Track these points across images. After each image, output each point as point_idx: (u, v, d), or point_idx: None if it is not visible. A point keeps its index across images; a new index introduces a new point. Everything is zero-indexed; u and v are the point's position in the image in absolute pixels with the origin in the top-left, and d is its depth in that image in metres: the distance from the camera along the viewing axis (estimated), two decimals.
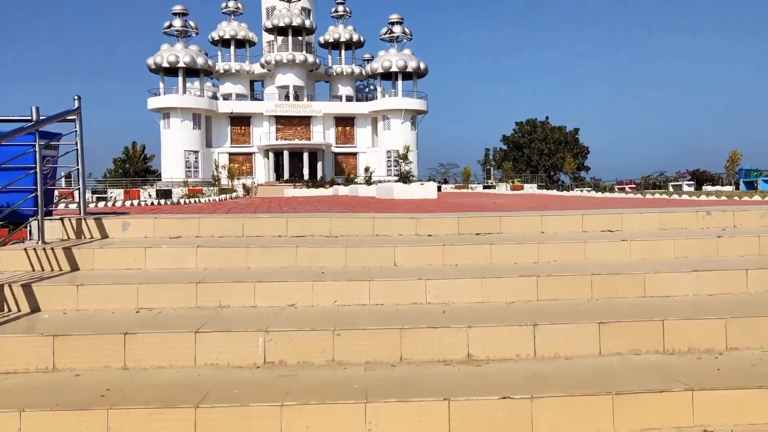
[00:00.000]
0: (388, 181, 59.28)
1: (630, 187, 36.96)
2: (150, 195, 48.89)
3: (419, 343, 3.33)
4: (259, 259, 4.58)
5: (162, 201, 9.78)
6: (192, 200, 9.88)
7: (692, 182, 33.41)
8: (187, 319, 3.63)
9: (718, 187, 31.04)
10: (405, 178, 11.91)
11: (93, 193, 47.94)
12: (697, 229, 5.38)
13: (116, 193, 48.36)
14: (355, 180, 21.17)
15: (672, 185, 34.02)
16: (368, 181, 16.25)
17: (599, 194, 13.28)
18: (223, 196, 12.27)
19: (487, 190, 51.02)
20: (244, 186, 42.84)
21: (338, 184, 25.79)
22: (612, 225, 5.35)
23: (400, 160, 12.04)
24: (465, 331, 3.36)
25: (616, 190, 38.76)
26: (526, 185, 54.02)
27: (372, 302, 3.97)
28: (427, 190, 11.08)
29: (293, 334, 3.34)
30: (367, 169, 16.22)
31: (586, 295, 4.04)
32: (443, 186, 54.02)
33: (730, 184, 32.20)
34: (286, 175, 56.35)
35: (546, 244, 4.70)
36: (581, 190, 43.27)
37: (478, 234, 5.23)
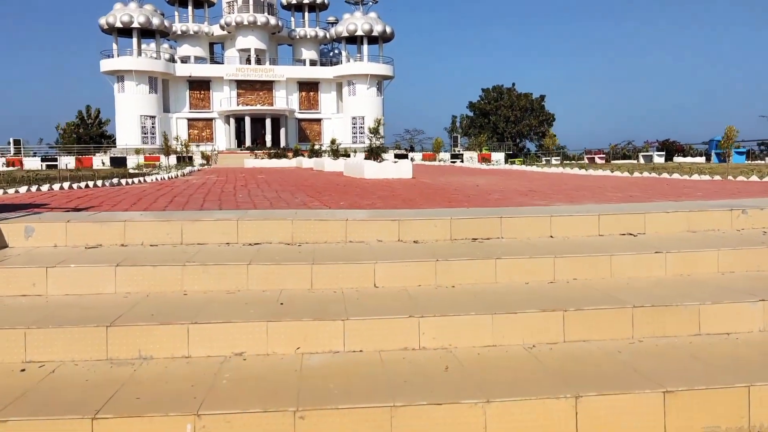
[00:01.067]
0: (354, 149, 57.84)
1: (599, 157, 36.56)
2: (103, 162, 46.56)
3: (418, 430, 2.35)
4: (200, 280, 3.52)
5: (106, 182, 8.55)
6: (137, 180, 8.64)
7: (662, 153, 33.12)
8: (88, 387, 2.57)
9: (690, 159, 30.84)
10: (375, 153, 10.90)
11: (42, 160, 45.41)
12: (732, 232, 4.51)
13: (68, 161, 45.91)
14: (320, 149, 19.95)
15: (642, 155, 33.69)
16: (335, 153, 15.09)
17: (582, 171, 12.47)
18: (174, 174, 11.01)
19: (456, 161, 50.21)
20: (203, 154, 41.03)
21: (302, 153, 24.52)
22: (633, 227, 4.44)
23: (371, 135, 10.98)
24: (482, 408, 2.39)
25: (585, 159, 38.32)
26: (493, 154, 53.38)
27: (347, 348, 2.97)
28: (401, 169, 10.06)
29: (235, 418, 2.32)
30: (333, 142, 15.04)
31: (626, 333, 3.12)
32: (410, 155, 52.94)
33: (701, 155, 32.04)
34: (248, 142, 54.43)
35: (563, 258, 3.75)
36: (548, 160, 42.83)
37: (475, 240, 4.25)
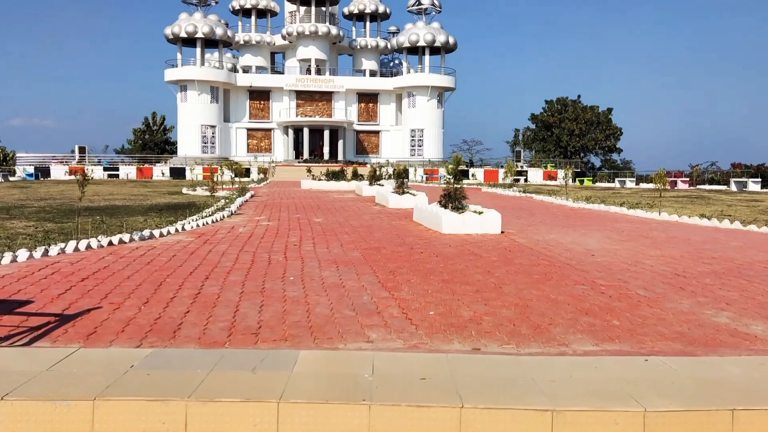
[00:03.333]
0: (409, 161, 56.13)
1: (682, 181, 33.60)
2: (163, 173, 46.62)
3: None
4: None
5: (135, 235, 7.18)
6: (175, 228, 7.29)
7: (758, 180, 29.92)
8: None
9: None
10: (455, 199, 9.27)
11: (105, 170, 45.81)
12: None
13: (129, 170, 46.20)
14: (380, 174, 18.39)
15: (734, 182, 30.56)
16: (398, 178, 13.48)
17: (717, 224, 10.26)
18: (222, 214, 9.63)
19: (519, 179, 47.87)
20: (260, 169, 40.31)
21: (360, 176, 23.02)
22: None
23: (449, 177, 9.34)
24: None
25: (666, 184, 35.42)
26: (559, 171, 50.69)
27: None
28: (488, 222, 8.33)
29: None
30: (397, 173, 13.33)
31: None
32: (471, 171, 50.89)
33: None
34: (306, 153, 53.72)
35: None
36: (623, 181, 40.00)
37: None
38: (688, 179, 34.22)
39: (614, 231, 8.97)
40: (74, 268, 5.62)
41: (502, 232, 8.43)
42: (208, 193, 19.65)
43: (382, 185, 17.66)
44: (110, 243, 7.00)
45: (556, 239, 8.08)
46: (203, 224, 9.19)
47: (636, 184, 39.54)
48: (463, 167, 53.24)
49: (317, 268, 5.79)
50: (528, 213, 12.07)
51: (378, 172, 18.90)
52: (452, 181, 9.27)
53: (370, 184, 18.02)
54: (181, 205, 13.64)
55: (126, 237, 7.33)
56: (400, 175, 13.85)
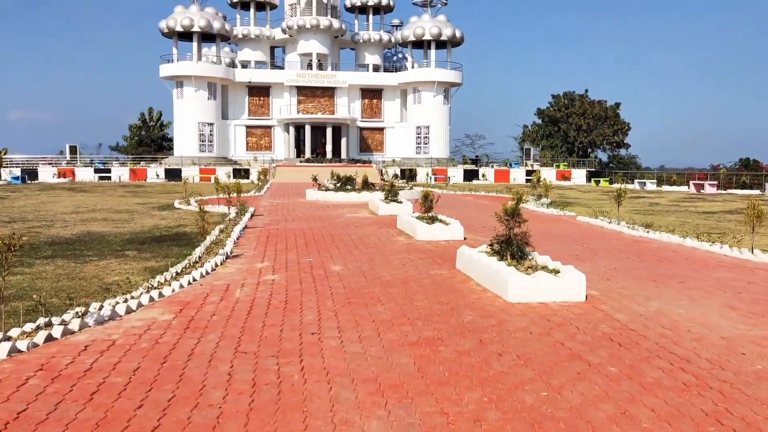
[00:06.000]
0: (415, 159, 53.68)
1: (710, 184, 31.44)
2: (157, 175, 44.38)
3: None
4: None
5: (100, 325, 5.08)
6: (151, 295, 5.21)
7: None
8: None
9: None
10: (516, 246, 7.36)
11: (96, 171, 43.59)
12: None
13: (122, 172, 43.95)
14: (395, 187, 16.30)
15: None
16: (428, 212, 11.35)
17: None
18: (217, 262, 7.47)
19: (531, 179, 45.49)
20: (259, 175, 38.18)
21: (372, 185, 20.93)
22: None
23: (506, 217, 7.41)
24: None
25: (691, 186, 33.26)
26: (573, 171, 48.51)
27: None
28: (569, 285, 6.22)
29: None
30: (426, 196, 11.24)
31: None
32: (479, 171, 48.66)
33: None
34: (308, 152, 51.54)
35: None
36: (642, 183, 37.81)
37: None
38: (715, 182, 32.04)
39: (724, 289, 6.86)
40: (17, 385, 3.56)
41: (587, 300, 6.31)
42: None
43: (401, 202, 15.50)
44: (49, 338, 4.89)
45: (662, 310, 5.99)
46: (190, 281, 7.06)
47: (657, 186, 37.39)
48: (471, 167, 51.10)
49: (355, 409, 3.69)
50: (588, 251, 9.94)
51: (394, 186, 16.71)
52: (510, 221, 7.14)
53: (386, 198, 15.87)
54: (167, 237, 11.49)
55: (75, 323, 5.21)
56: (427, 196, 11.69)
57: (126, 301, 6.13)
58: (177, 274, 7.56)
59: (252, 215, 15.12)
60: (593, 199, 24.28)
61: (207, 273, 7.64)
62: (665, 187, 36.04)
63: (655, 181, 38.77)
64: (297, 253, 9.50)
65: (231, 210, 15.98)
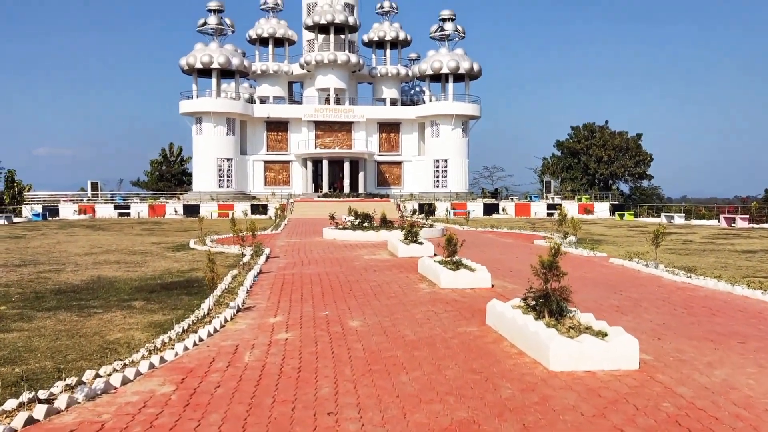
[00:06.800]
0: (434, 193, 53.02)
1: (741, 218, 30.36)
2: (176, 211, 44.29)
3: None
4: None
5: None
6: (151, 361, 4.60)
7: None
8: None
9: None
10: (554, 302, 6.72)
11: (116, 208, 43.65)
12: None
13: (141, 208, 43.95)
14: (416, 228, 15.67)
15: None
16: (452, 256, 10.69)
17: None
18: (222, 320, 6.84)
19: (553, 213, 44.66)
20: (276, 212, 37.87)
21: (390, 224, 20.37)
22: None
23: (542, 269, 6.89)
24: None
25: (721, 220, 32.18)
26: (596, 204, 47.55)
27: None
28: (618, 352, 5.50)
29: None
30: (450, 240, 10.61)
31: None
32: (500, 205, 47.86)
33: None
34: (326, 186, 51.32)
35: None
36: (670, 217, 36.74)
37: None
38: (747, 216, 30.96)
39: None
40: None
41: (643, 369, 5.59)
42: (217, 249, 17.06)
43: (421, 243, 14.87)
44: (30, 420, 4.30)
45: (730, 381, 5.25)
46: (196, 342, 6.46)
47: (686, 219, 36.31)
48: (491, 200, 50.34)
49: None
50: (629, 301, 9.20)
51: (414, 226, 16.10)
52: (548, 275, 6.47)
53: (406, 239, 15.25)
54: (177, 285, 10.96)
55: (63, 399, 4.62)
56: (450, 240, 11.04)
57: (124, 367, 5.55)
58: (183, 331, 6.98)
59: (267, 257, 14.58)
60: (621, 236, 23.40)
61: (215, 330, 7.04)
62: (694, 221, 34.96)
63: (683, 214, 37.67)
64: (313, 303, 8.89)
65: (246, 250, 15.50)
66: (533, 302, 6.63)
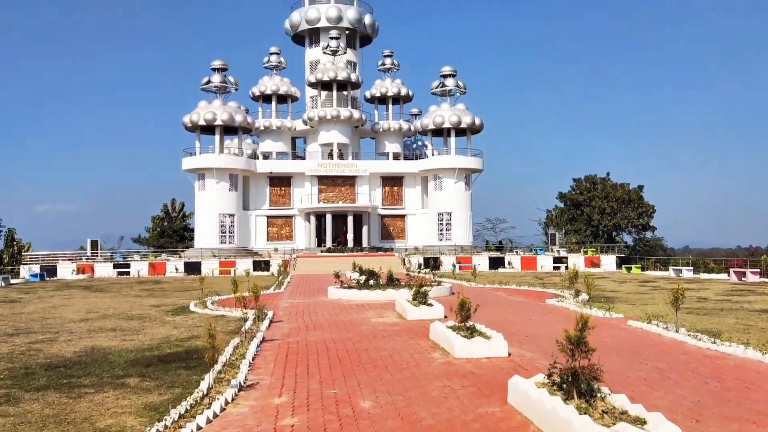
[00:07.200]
0: (438, 247, 52.66)
1: (752, 272, 29.76)
2: (177, 269, 43.71)
3: None
4: None
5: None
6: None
7: None
8: None
9: None
10: (585, 381, 6.35)
11: (115, 267, 43.12)
12: None
13: (141, 267, 43.39)
14: (424, 291, 15.08)
15: None
16: (465, 325, 10.13)
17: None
18: (222, 401, 6.24)
19: (559, 267, 44.06)
20: (279, 268, 37.29)
21: (397, 281, 19.88)
22: None
23: (569, 345, 6.52)
24: None
25: (731, 274, 31.57)
26: (602, 257, 46.98)
27: None
28: None
29: None
30: (463, 304, 10.12)
31: None
32: (505, 258, 47.27)
33: None
34: (329, 241, 50.92)
35: None
36: (678, 271, 36.12)
37: None
38: (758, 270, 30.35)
39: None
40: None
41: None
42: (218, 312, 16.49)
43: (431, 305, 14.33)
44: None
45: None
46: (193, 431, 5.89)
47: (694, 273, 35.65)
48: (497, 254, 49.78)
49: None
50: (656, 372, 8.61)
51: (423, 286, 15.58)
52: (575, 351, 5.96)
53: (415, 299, 14.71)
54: (176, 357, 10.38)
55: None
56: (463, 305, 10.49)
57: None
58: (180, 416, 6.41)
59: (270, 321, 14.01)
60: (633, 292, 22.76)
61: (215, 416, 6.47)
62: (703, 275, 34.30)
63: (691, 268, 37.03)
64: (320, 378, 8.31)
65: (249, 313, 14.93)
66: (559, 379, 6.09)
